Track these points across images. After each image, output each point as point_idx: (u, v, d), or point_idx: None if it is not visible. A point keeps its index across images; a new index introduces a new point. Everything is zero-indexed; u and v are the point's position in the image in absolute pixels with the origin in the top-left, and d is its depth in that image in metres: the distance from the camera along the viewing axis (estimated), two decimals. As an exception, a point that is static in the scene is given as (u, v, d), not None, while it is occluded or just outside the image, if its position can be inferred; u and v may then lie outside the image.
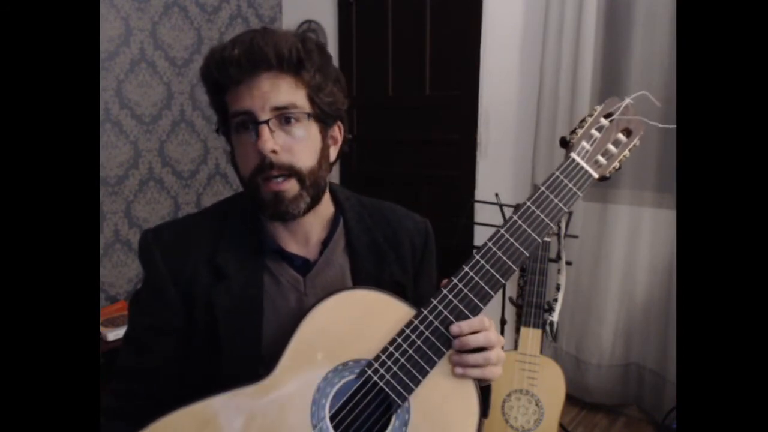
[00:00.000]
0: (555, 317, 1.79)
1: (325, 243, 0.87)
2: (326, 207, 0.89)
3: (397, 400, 0.73)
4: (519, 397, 1.71)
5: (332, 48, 3.10)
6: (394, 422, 0.73)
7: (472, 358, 0.74)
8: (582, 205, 2.28)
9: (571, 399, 2.32)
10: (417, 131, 2.84)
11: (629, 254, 2.25)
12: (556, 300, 1.81)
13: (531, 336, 1.73)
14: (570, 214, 2.01)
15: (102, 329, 2.24)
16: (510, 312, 2.15)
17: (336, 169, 3.12)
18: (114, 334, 2.23)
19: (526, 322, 1.75)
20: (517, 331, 1.79)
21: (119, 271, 2.60)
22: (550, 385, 1.71)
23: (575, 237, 2.07)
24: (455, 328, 0.74)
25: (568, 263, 1.85)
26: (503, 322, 2.13)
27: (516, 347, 1.76)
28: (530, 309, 1.75)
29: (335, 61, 3.42)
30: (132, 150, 2.61)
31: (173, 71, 2.74)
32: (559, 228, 1.81)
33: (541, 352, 1.74)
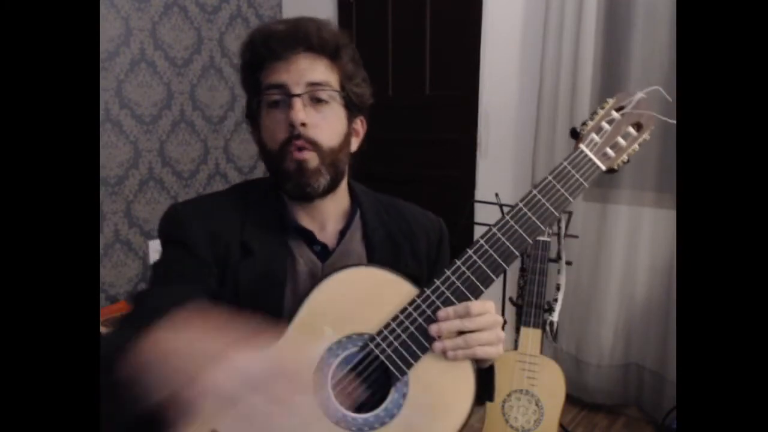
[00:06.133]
0: (555, 317, 1.79)
1: (342, 233, 0.90)
2: (343, 196, 0.92)
3: (396, 373, 0.75)
4: (519, 397, 1.71)
5: (332, 48, 3.09)
6: (393, 394, 0.76)
7: (452, 342, 0.76)
8: (582, 205, 2.28)
9: (571, 399, 2.32)
10: (417, 131, 2.84)
11: (629, 254, 2.25)
12: (556, 300, 1.81)
13: (531, 336, 1.73)
14: (570, 214, 2.00)
15: (102, 329, 2.24)
16: (510, 312, 2.15)
17: (336, 169, 3.12)
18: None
19: (526, 322, 1.75)
20: (517, 331, 1.79)
21: (119, 271, 2.60)
22: (550, 385, 1.71)
23: (575, 237, 2.07)
24: (433, 327, 0.76)
25: (568, 263, 1.85)
26: (503, 322, 2.13)
27: (516, 347, 1.76)
28: (530, 309, 1.75)
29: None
30: (132, 150, 2.61)
31: (173, 71, 2.74)
32: (559, 228, 1.82)
33: (541, 352, 1.74)
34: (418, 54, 2.74)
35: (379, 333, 0.76)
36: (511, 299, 2.10)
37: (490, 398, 0.86)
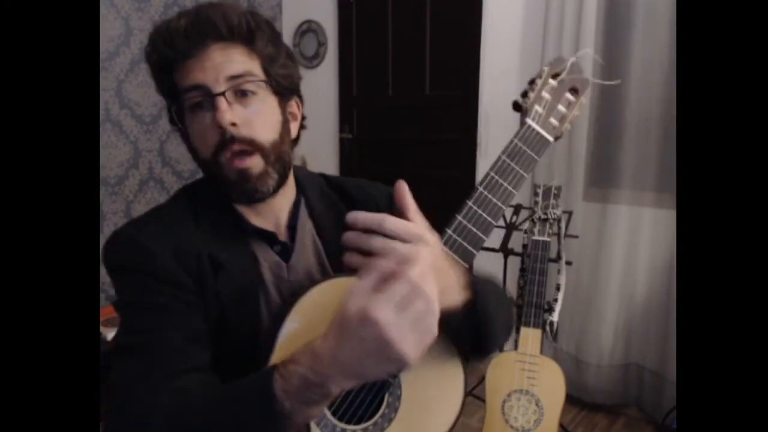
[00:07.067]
0: (555, 317, 1.79)
1: (292, 227, 0.84)
2: (291, 187, 0.86)
3: (388, 378, 0.73)
4: (519, 397, 1.71)
5: (332, 48, 3.10)
6: (388, 399, 0.75)
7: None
8: (582, 205, 2.28)
9: (571, 399, 2.32)
10: (417, 131, 2.84)
11: (629, 254, 2.25)
12: (556, 300, 1.82)
13: (531, 336, 1.73)
14: (570, 214, 2.00)
15: (102, 329, 2.24)
16: (510, 312, 2.15)
17: (336, 169, 3.12)
18: (114, 334, 2.23)
19: (526, 322, 1.75)
20: (517, 331, 1.79)
21: (119, 271, 2.60)
22: (550, 385, 1.71)
23: (575, 237, 2.07)
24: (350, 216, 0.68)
25: (568, 263, 1.85)
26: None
27: (516, 347, 1.76)
28: (530, 309, 1.75)
29: (335, 61, 3.38)
30: (132, 150, 2.61)
31: (173, 71, 2.74)
32: (559, 228, 1.82)
33: (541, 352, 1.74)
34: (418, 54, 2.74)
35: None
36: (511, 299, 2.10)
37: (483, 352, 0.79)
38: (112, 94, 2.51)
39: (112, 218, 2.56)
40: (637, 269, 2.25)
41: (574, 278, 2.29)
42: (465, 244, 0.74)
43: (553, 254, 1.83)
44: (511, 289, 2.18)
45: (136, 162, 2.63)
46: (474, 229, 0.75)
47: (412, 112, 2.84)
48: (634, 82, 2.13)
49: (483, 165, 2.60)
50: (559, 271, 1.81)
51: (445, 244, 0.74)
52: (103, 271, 2.48)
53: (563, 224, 1.85)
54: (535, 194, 1.80)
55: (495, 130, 2.55)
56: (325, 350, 0.60)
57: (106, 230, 2.54)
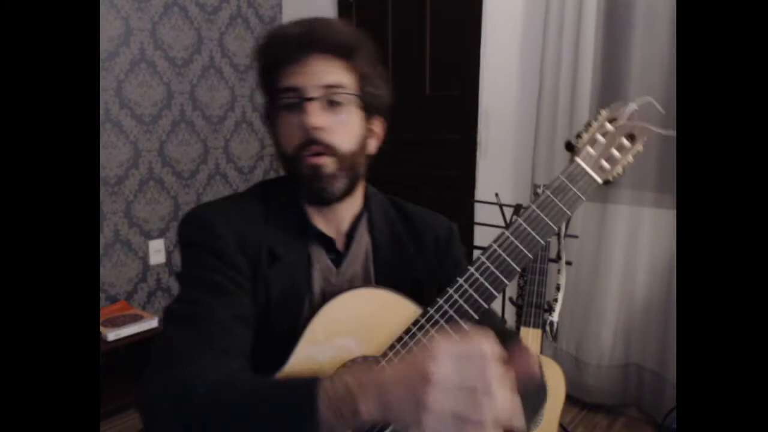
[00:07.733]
0: (555, 317, 1.79)
1: (349, 236, 0.89)
2: (358, 199, 0.91)
3: None
4: (519, 397, 1.71)
5: (332, 48, 3.09)
6: None
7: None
8: (582, 205, 2.28)
9: (571, 399, 2.32)
10: (417, 131, 2.84)
11: (629, 254, 2.25)
12: (556, 300, 1.81)
13: (531, 336, 1.73)
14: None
15: (102, 329, 2.24)
16: (510, 312, 2.15)
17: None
18: (114, 334, 2.23)
19: (526, 322, 1.75)
20: (517, 331, 1.79)
21: (119, 271, 2.60)
22: (550, 385, 1.70)
23: (575, 237, 2.07)
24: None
25: (568, 263, 1.85)
26: (503, 322, 2.13)
27: (516, 347, 1.76)
28: (530, 309, 1.75)
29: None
30: (132, 150, 2.61)
31: (173, 71, 2.74)
32: (560, 228, 1.81)
33: (541, 352, 1.74)
34: (418, 54, 2.74)
35: (385, 355, 0.75)
36: (511, 299, 2.10)
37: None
38: (112, 94, 2.51)
39: (112, 218, 2.56)
40: (637, 269, 2.24)
41: (574, 278, 2.29)
42: (496, 272, 0.76)
43: (553, 254, 1.83)
44: (511, 289, 2.18)
45: (136, 162, 2.63)
46: (509, 260, 0.77)
47: (412, 112, 2.84)
48: (634, 82, 2.13)
49: (483, 165, 2.60)
50: (559, 271, 1.81)
51: (477, 270, 0.76)
52: (103, 270, 2.48)
53: (563, 224, 1.85)
54: (535, 194, 1.80)
55: (495, 130, 2.55)
56: (379, 368, 0.61)
57: (106, 230, 2.54)
